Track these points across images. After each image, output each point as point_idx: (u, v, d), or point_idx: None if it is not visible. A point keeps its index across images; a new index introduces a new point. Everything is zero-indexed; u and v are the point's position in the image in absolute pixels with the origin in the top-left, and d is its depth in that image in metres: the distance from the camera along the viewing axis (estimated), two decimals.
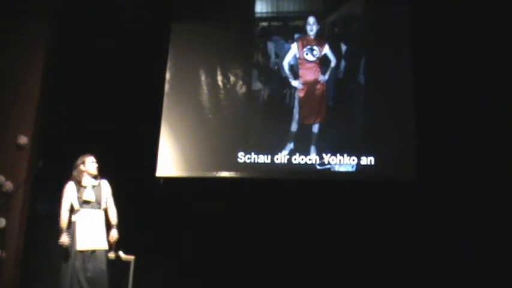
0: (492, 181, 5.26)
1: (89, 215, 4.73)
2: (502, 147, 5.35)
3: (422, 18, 5.69)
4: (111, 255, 4.90)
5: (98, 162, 4.89)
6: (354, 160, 5.61)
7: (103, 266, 4.66)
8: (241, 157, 5.78)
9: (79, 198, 4.73)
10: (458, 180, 5.35)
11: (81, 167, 4.83)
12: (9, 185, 5.53)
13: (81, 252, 4.62)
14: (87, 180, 4.79)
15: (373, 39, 5.81)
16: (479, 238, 5.18)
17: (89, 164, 4.85)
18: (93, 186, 4.82)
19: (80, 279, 4.56)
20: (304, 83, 5.90)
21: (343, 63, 5.83)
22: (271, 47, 6.01)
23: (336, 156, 5.64)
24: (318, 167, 5.66)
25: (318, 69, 5.88)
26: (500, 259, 5.12)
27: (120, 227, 5.02)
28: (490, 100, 5.46)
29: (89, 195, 4.76)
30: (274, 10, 6.11)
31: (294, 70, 5.94)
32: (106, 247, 4.72)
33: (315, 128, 5.78)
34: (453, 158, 5.43)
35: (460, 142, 5.43)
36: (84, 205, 4.74)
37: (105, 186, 4.90)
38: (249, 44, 6.06)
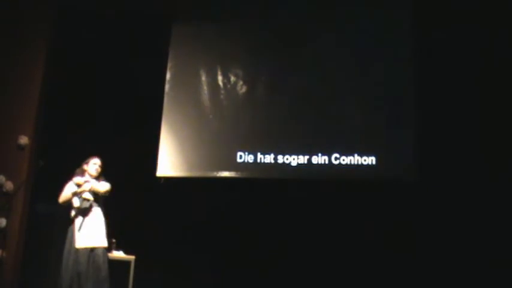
0: (492, 181, 5.25)
1: (90, 213, 4.77)
2: (502, 147, 5.34)
3: (423, 17, 5.69)
4: (111, 254, 4.92)
5: (102, 165, 4.96)
6: (354, 160, 5.60)
7: (104, 266, 4.67)
8: (242, 157, 5.78)
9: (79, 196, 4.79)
10: (458, 180, 5.34)
11: (84, 166, 4.93)
12: (9, 185, 5.54)
13: (81, 250, 4.63)
14: (93, 181, 4.86)
15: (373, 39, 5.80)
16: (479, 238, 5.17)
17: (91, 165, 4.95)
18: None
19: (81, 280, 4.57)
20: None
21: (344, 63, 5.82)
22: None
23: (336, 156, 5.63)
24: (318, 167, 5.65)
25: None
26: (500, 259, 5.10)
27: (120, 227, 5.05)
28: (490, 100, 5.45)
29: (87, 194, 4.81)
30: None
31: None
32: (105, 245, 4.73)
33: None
34: (453, 158, 5.42)
35: (460, 142, 5.42)
36: (84, 203, 4.78)
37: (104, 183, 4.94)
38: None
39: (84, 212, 4.77)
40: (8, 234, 5.45)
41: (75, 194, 4.79)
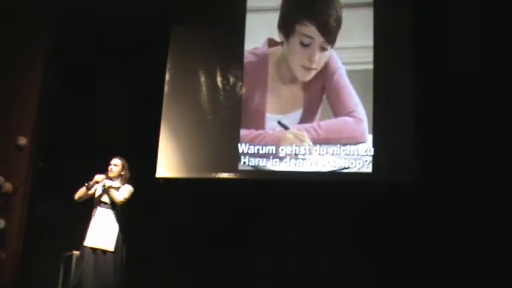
0: (492, 182, 5.25)
1: (103, 215, 4.78)
2: (502, 148, 5.33)
3: (424, 19, 5.67)
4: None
5: (122, 166, 4.96)
6: (354, 163, 5.60)
7: (110, 270, 4.67)
8: (241, 158, 5.78)
9: (97, 197, 4.82)
10: (459, 182, 5.33)
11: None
12: (8, 186, 5.54)
13: (87, 249, 4.66)
14: (108, 181, 4.86)
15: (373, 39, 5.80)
16: (479, 239, 5.16)
17: (110, 166, 4.94)
18: (113, 188, 4.87)
19: (88, 280, 4.59)
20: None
21: (343, 66, 5.81)
22: None
23: (335, 159, 5.63)
24: (317, 168, 5.65)
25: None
26: (500, 260, 5.10)
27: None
28: (491, 101, 5.43)
29: (104, 196, 4.83)
30: None
31: None
32: (111, 249, 4.70)
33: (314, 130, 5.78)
34: (453, 160, 5.41)
35: (461, 144, 5.41)
36: (101, 205, 4.80)
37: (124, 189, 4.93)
38: None
39: (101, 213, 4.78)
40: (7, 235, 5.48)
41: (88, 187, 4.78)
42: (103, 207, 4.81)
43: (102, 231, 4.72)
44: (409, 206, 5.41)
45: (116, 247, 4.71)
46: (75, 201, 4.85)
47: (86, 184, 4.78)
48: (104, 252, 4.67)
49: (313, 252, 5.52)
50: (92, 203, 4.87)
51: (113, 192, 4.81)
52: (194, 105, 5.98)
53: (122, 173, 4.93)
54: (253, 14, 6.07)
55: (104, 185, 4.81)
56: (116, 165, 4.93)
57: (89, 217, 4.81)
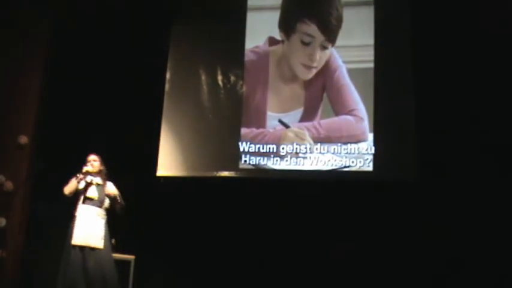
0: (492, 182, 5.24)
1: (90, 212, 4.76)
2: (502, 148, 5.33)
3: (424, 17, 5.67)
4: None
5: (100, 161, 4.96)
6: (355, 161, 5.59)
7: (103, 265, 4.65)
8: (242, 157, 5.78)
9: (83, 194, 4.80)
10: (458, 183, 5.32)
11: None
12: (9, 185, 5.54)
13: (79, 249, 4.63)
14: (92, 178, 4.86)
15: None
16: (479, 239, 5.16)
17: (89, 162, 4.94)
18: (97, 185, 4.87)
19: (78, 279, 4.56)
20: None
21: (344, 65, 5.81)
22: None
23: (336, 158, 5.62)
24: (318, 167, 5.64)
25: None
26: (499, 260, 5.09)
27: (120, 226, 5.04)
28: (491, 102, 5.43)
29: (92, 192, 4.82)
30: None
31: None
32: (100, 246, 4.69)
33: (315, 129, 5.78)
34: (453, 160, 5.40)
35: (461, 143, 5.40)
36: (87, 202, 4.78)
37: (111, 187, 4.93)
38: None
39: (86, 210, 4.76)
40: (7, 234, 5.47)
41: (79, 180, 4.79)
42: (88, 204, 4.79)
43: (90, 229, 4.70)
44: (409, 204, 5.39)
45: (105, 244, 4.71)
46: (65, 196, 4.82)
47: (82, 176, 4.78)
48: (93, 249, 4.65)
49: (314, 250, 5.51)
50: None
51: (121, 202, 4.87)
52: (195, 104, 6.00)
53: (101, 168, 4.94)
54: (254, 13, 6.09)
55: (112, 195, 4.85)
56: (96, 160, 4.94)
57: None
